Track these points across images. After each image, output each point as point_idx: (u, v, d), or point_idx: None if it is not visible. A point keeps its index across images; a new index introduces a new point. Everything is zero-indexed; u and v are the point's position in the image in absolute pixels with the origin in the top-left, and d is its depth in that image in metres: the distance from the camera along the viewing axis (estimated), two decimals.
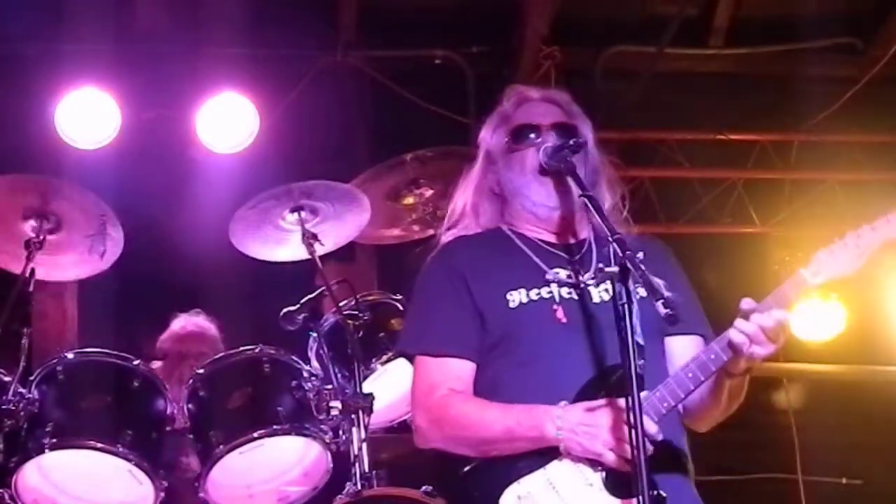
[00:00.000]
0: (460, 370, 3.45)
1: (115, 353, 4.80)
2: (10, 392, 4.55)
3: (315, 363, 5.12)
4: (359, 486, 4.72)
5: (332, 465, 4.84)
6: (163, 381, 4.90)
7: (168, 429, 4.84)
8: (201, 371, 4.90)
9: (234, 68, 6.95)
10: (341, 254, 5.65)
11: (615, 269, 3.12)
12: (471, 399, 3.43)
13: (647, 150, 7.78)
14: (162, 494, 4.68)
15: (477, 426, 3.35)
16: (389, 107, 7.43)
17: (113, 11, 6.91)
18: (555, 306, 3.42)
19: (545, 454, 3.28)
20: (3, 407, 4.51)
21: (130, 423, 4.66)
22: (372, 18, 7.38)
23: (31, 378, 4.66)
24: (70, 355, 4.78)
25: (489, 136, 3.71)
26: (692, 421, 3.51)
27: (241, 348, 4.98)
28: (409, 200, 5.69)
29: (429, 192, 5.64)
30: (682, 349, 3.47)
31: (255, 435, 4.71)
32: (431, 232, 5.40)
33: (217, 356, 5.10)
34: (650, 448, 3.07)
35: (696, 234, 7.82)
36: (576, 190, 3.44)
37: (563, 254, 3.55)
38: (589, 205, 3.36)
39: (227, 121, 6.88)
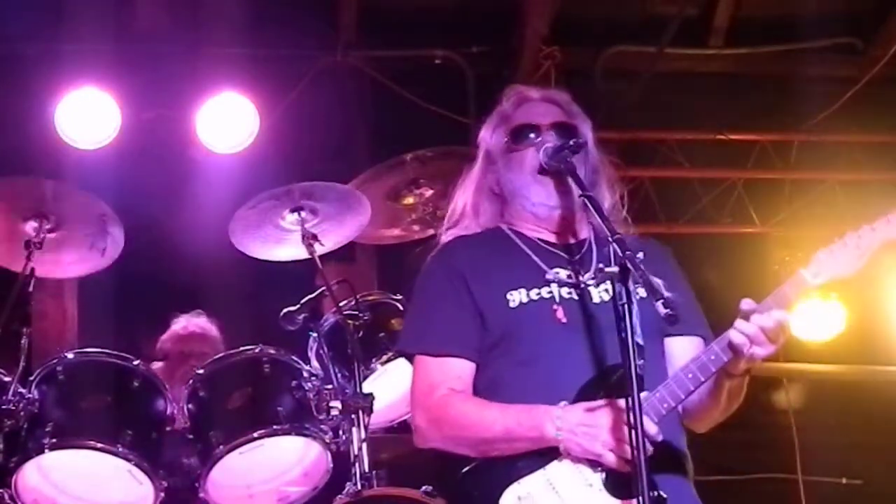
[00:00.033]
0: (460, 370, 3.45)
1: (115, 353, 4.80)
2: (10, 392, 4.55)
3: (315, 363, 5.12)
4: (359, 486, 4.72)
5: (332, 465, 4.84)
6: (163, 381, 4.90)
7: (168, 429, 4.84)
8: (201, 371, 4.90)
9: (234, 68, 6.95)
10: (341, 254, 5.66)
11: (615, 269, 3.12)
12: (470, 399, 3.42)
13: (647, 150, 7.78)
14: (162, 494, 4.68)
15: (477, 426, 3.35)
16: (389, 107, 7.43)
17: (113, 11, 6.91)
18: (555, 306, 3.42)
19: (545, 454, 3.28)
20: (3, 407, 4.51)
21: (130, 423, 4.66)
22: (372, 18, 7.38)
23: (31, 378, 4.66)
24: (70, 355, 4.78)
25: (489, 136, 3.71)
26: (691, 421, 3.51)
27: (241, 348, 4.98)
28: (409, 200, 5.69)
29: (429, 192, 5.63)
30: (681, 350, 3.47)
31: (255, 435, 4.71)
32: (431, 232, 5.40)
33: (217, 356, 5.10)
34: (650, 449, 3.07)
35: (696, 234, 7.82)
36: (576, 190, 3.44)
37: (563, 254, 3.55)
38: (589, 205, 3.36)
39: (227, 121, 6.88)
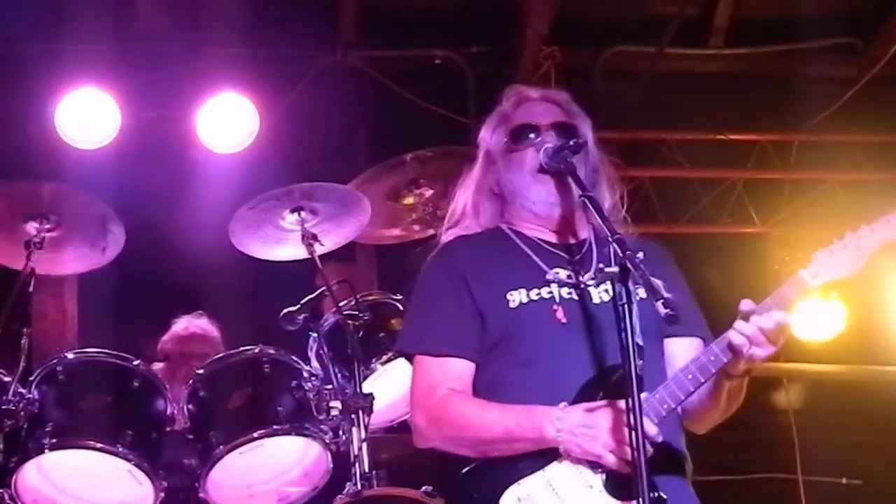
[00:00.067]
0: (460, 370, 3.44)
1: (115, 353, 4.80)
2: (10, 392, 4.56)
3: (315, 363, 5.12)
4: (359, 486, 4.72)
5: (332, 465, 4.84)
6: (163, 381, 4.90)
7: (168, 429, 4.84)
8: (201, 371, 4.90)
9: (234, 68, 6.95)
10: (341, 254, 5.66)
11: (615, 269, 3.12)
12: (470, 399, 3.42)
13: (647, 150, 7.78)
14: (162, 494, 4.68)
15: (476, 426, 3.34)
16: (389, 107, 7.43)
17: (113, 11, 6.91)
18: (555, 306, 3.42)
19: (545, 455, 3.28)
20: (3, 407, 4.52)
21: (130, 423, 4.66)
22: (372, 18, 7.38)
23: (31, 378, 4.67)
24: (70, 355, 4.79)
25: (489, 136, 3.70)
26: (691, 422, 3.51)
27: (241, 348, 4.98)
28: (409, 200, 5.69)
29: (429, 192, 5.63)
30: (681, 351, 3.47)
31: (255, 435, 4.71)
32: (431, 232, 5.40)
33: (217, 356, 5.10)
34: (650, 450, 3.06)
35: (696, 234, 7.82)
36: (576, 190, 3.44)
37: (563, 254, 3.54)
38: (589, 205, 3.36)
39: (227, 121, 6.88)
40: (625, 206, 3.68)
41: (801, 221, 7.79)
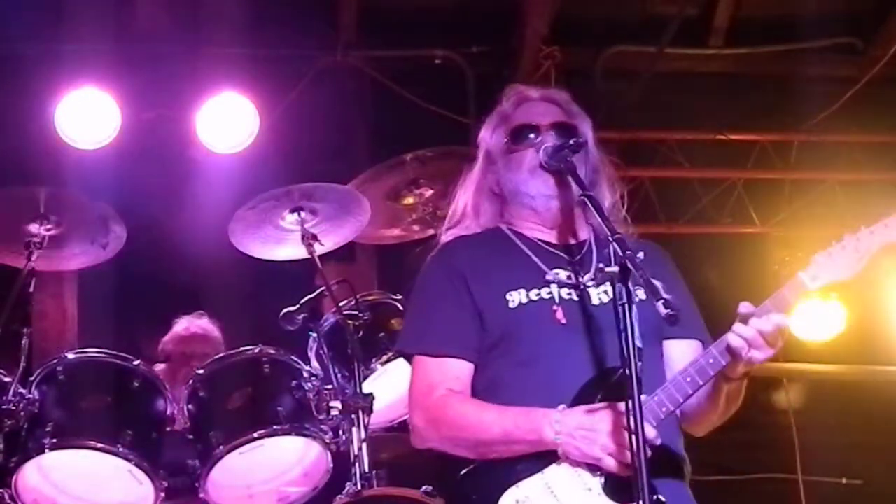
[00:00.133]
0: (459, 370, 3.44)
1: (115, 353, 4.81)
2: (10, 392, 4.56)
3: (315, 363, 5.12)
4: (359, 486, 4.72)
5: (332, 465, 4.85)
6: (163, 382, 4.91)
7: (168, 429, 4.84)
8: (201, 371, 4.90)
9: (234, 68, 6.95)
10: (341, 254, 5.66)
11: (615, 268, 3.11)
12: (469, 400, 3.42)
13: (647, 150, 7.78)
14: (162, 494, 4.69)
15: (475, 427, 3.34)
16: (389, 107, 7.43)
17: (113, 11, 6.91)
18: (554, 307, 3.41)
19: (544, 457, 3.27)
20: (3, 407, 4.52)
21: (130, 423, 4.66)
22: (372, 18, 7.38)
23: (31, 378, 4.67)
24: (70, 355, 4.79)
25: (489, 136, 3.70)
26: (690, 425, 3.51)
27: (241, 348, 4.99)
28: (409, 200, 5.69)
29: (429, 192, 5.63)
30: (680, 353, 3.47)
31: (255, 435, 4.71)
32: (431, 232, 5.41)
33: (217, 356, 5.10)
34: (648, 453, 3.06)
35: (696, 234, 7.82)
36: (576, 189, 3.44)
37: (563, 254, 3.54)
38: (589, 204, 3.35)
39: (227, 121, 6.88)
40: (625, 206, 3.67)
41: (801, 221, 7.79)
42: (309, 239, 5.16)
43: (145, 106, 7.03)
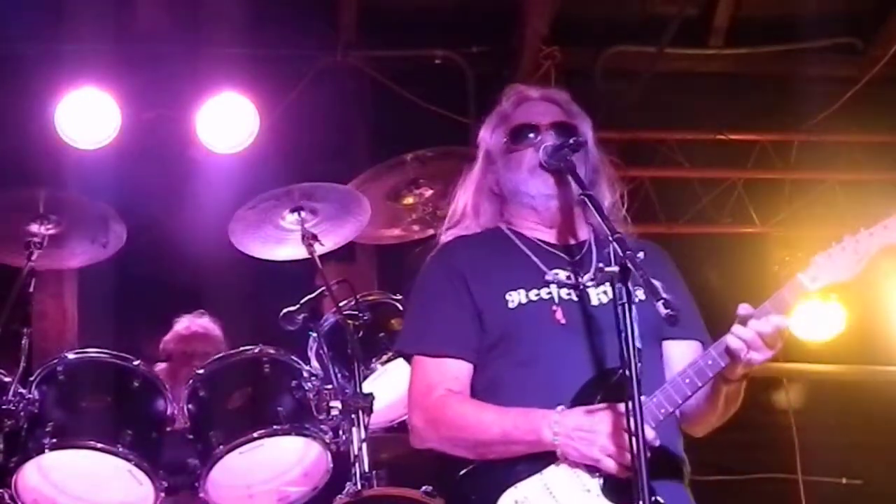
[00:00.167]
0: (458, 371, 3.44)
1: (115, 353, 4.81)
2: (10, 392, 4.56)
3: (315, 363, 5.12)
4: (359, 486, 4.72)
5: (332, 465, 4.85)
6: (163, 381, 4.91)
7: (168, 429, 4.84)
8: (201, 371, 4.90)
9: (234, 68, 6.95)
10: (341, 254, 5.66)
11: (615, 268, 3.11)
12: (468, 400, 3.42)
13: (647, 150, 7.78)
14: (162, 494, 4.69)
15: (473, 428, 3.34)
16: (389, 107, 7.43)
17: (113, 11, 6.91)
18: (554, 307, 3.41)
19: (543, 458, 3.27)
20: (3, 407, 4.52)
21: (130, 423, 4.66)
22: (372, 18, 7.38)
23: (31, 378, 4.67)
24: (70, 355, 4.79)
25: (488, 136, 3.70)
26: (689, 425, 3.50)
27: (241, 348, 4.99)
28: (409, 200, 5.69)
29: (429, 192, 5.63)
30: (679, 354, 3.47)
31: (255, 435, 4.71)
32: (431, 232, 5.40)
33: (217, 356, 5.10)
34: (647, 454, 3.06)
35: (696, 234, 7.82)
36: (575, 188, 3.44)
37: (562, 255, 3.54)
38: (589, 204, 3.35)
39: (227, 121, 6.88)
40: (625, 206, 3.67)
41: (801, 221, 7.79)
42: (309, 239, 5.16)
43: (145, 106, 7.03)
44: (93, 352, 4.82)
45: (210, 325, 6.03)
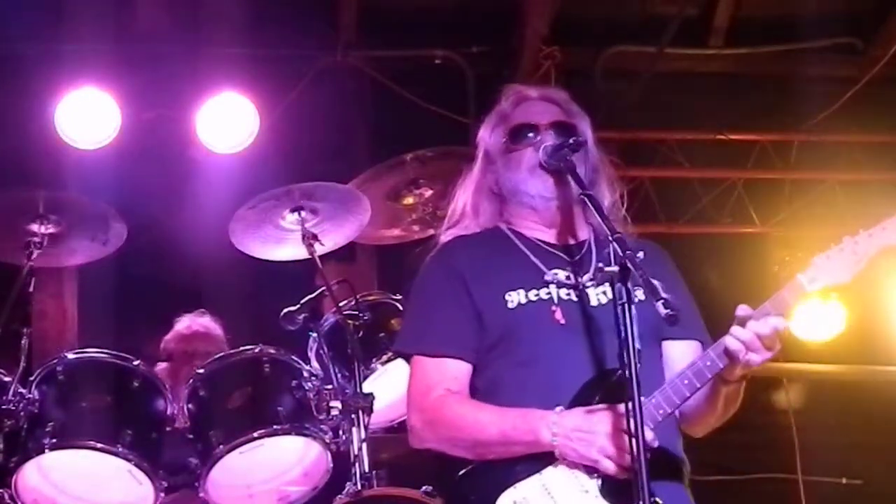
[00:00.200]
0: (457, 371, 3.44)
1: (115, 353, 4.81)
2: (10, 392, 4.56)
3: (315, 363, 5.12)
4: (359, 486, 4.72)
5: (332, 465, 4.85)
6: (163, 381, 4.91)
7: (168, 429, 4.84)
8: (201, 371, 4.90)
9: (234, 68, 6.95)
10: (341, 254, 5.66)
11: (615, 268, 3.11)
12: (467, 401, 3.42)
13: (647, 150, 7.78)
14: (162, 494, 4.69)
15: (472, 428, 3.34)
16: (389, 107, 7.43)
17: (113, 11, 6.91)
18: (553, 307, 3.41)
19: (541, 459, 3.27)
20: (3, 407, 4.52)
21: (130, 423, 4.66)
22: (372, 18, 7.38)
23: (31, 378, 4.67)
24: (70, 355, 4.79)
25: (488, 136, 3.70)
26: (689, 426, 3.50)
27: (241, 348, 4.99)
28: (409, 200, 5.69)
29: (429, 192, 5.63)
30: (679, 354, 3.47)
31: (255, 435, 4.71)
32: (431, 232, 5.39)
33: (217, 356, 5.10)
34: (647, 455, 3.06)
35: (696, 234, 7.82)
36: (575, 188, 3.44)
37: (562, 255, 3.54)
38: (589, 203, 3.35)
39: (227, 121, 6.88)
40: (625, 206, 3.67)
41: (801, 221, 7.79)
42: (309, 239, 5.16)
43: (145, 106, 7.03)
44: (93, 352, 4.81)
45: (211, 324, 6.03)
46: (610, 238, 3.17)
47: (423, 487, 4.70)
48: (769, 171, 7.89)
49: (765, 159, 7.87)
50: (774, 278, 7.00)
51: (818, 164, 7.82)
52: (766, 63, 7.74)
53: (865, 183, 7.75)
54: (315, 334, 5.16)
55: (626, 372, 3.01)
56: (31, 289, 5.02)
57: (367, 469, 4.77)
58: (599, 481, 3.24)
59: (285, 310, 5.14)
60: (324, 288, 5.11)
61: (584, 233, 3.60)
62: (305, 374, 4.88)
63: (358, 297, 5.14)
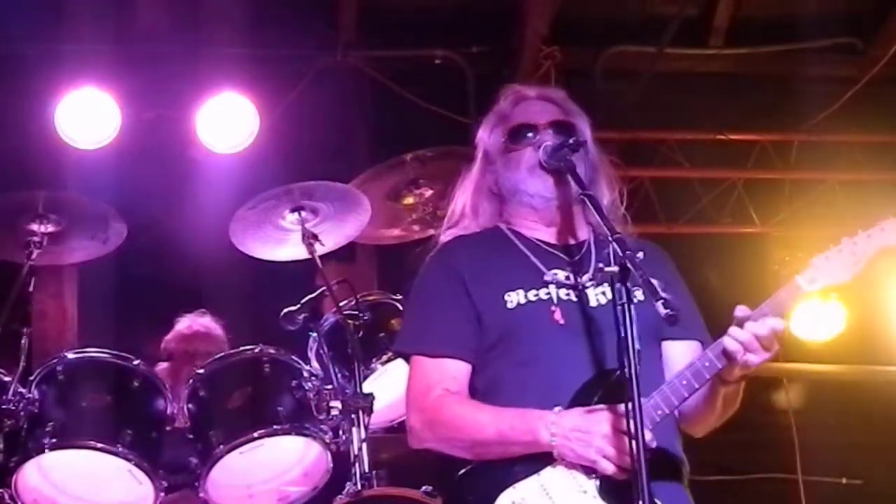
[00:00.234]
0: (456, 371, 3.44)
1: (115, 353, 4.81)
2: (10, 392, 4.56)
3: (315, 363, 5.12)
4: (359, 486, 4.73)
5: (332, 465, 4.85)
6: (163, 381, 4.91)
7: (168, 429, 4.84)
8: (201, 371, 4.90)
9: (234, 68, 6.95)
10: (341, 254, 5.66)
11: (615, 268, 3.11)
12: (466, 401, 3.41)
13: (647, 150, 7.78)
14: (162, 494, 4.69)
15: (470, 428, 3.34)
16: (389, 107, 7.43)
17: (113, 11, 6.91)
18: (552, 307, 3.41)
19: (540, 459, 3.26)
20: (3, 407, 4.52)
21: (130, 423, 4.66)
22: (372, 18, 7.39)
23: (31, 378, 4.67)
24: (70, 355, 4.79)
25: (487, 136, 3.70)
26: (688, 426, 3.50)
27: (241, 348, 4.99)
28: (409, 200, 5.69)
29: (429, 192, 5.63)
30: (679, 354, 3.47)
31: (255, 435, 4.71)
32: (431, 232, 5.39)
33: (217, 356, 5.10)
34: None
35: (696, 234, 7.82)
36: (575, 188, 3.44)
37: (562, 255, 3.54)
38: (588, 203, 3.35)
39: (227, 121, 6.88)
40: (624, 206, 3.67)
41: (801, 221, 7.79)
42: (309, 238, 5.16)
43: (145, 106, 7.03)
44: (93, 351, 4.82)
45: (212, 324, 6.03)
46: (609, 238, 3.17)
47: (423, 487, 4.70)
48: (769, 171, 7.89)
49: (765, 159, 7.87)
50: (774, 278, 6.98)
51: (818, 164, 7.82)
52: (766, 63, 7.74)
53: (865, 183, 7.75)
54: (315, 334, 5.16)
55: (626, 372, 3.01)
56: (31, 288, 5.03)
57: (367, 469, 4.77)
58: (598, 482, 3.24)
59: (285, 310, 5.14)
60: (324, 288, 5.12)
61: (583, 233, 3.60)
62: (305, 374, 4.88)
63: (358, 297, 5.14)
